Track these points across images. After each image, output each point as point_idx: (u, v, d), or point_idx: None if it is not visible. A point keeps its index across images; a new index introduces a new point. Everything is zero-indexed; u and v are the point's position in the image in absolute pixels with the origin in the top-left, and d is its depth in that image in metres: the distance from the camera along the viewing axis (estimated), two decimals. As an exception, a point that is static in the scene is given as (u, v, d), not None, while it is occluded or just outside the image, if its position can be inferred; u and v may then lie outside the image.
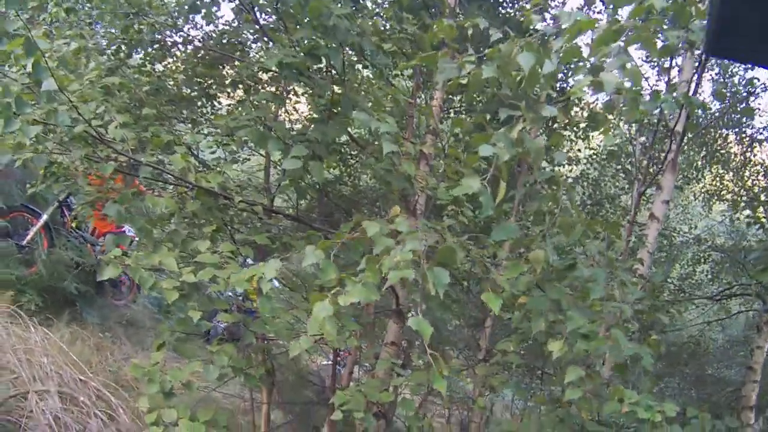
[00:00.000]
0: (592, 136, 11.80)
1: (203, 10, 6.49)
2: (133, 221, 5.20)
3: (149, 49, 6.90)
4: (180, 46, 7.27)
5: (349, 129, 5.50)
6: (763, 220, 10.67)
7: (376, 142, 5.50)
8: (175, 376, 4.91)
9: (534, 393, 11.11)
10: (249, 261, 6.87)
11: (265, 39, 6.49)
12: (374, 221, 3.84)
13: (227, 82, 7.20)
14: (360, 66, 6.90)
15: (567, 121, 8.06)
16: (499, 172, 3.68)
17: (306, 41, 4.94)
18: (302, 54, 4.90)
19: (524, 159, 4.03)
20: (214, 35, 7.33)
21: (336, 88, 5.11)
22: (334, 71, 5.24)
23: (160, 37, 6.90)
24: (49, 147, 5.17)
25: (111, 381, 7.97)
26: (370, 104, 5.11)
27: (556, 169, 9.56)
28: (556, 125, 7.88)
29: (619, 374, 5.70)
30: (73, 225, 10.27)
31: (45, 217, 9.93)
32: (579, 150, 12.22)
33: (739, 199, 12.62)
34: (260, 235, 5.44)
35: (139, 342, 10.41)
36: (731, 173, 13.40)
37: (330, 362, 9.27)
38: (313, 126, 5.06)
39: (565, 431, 5.59)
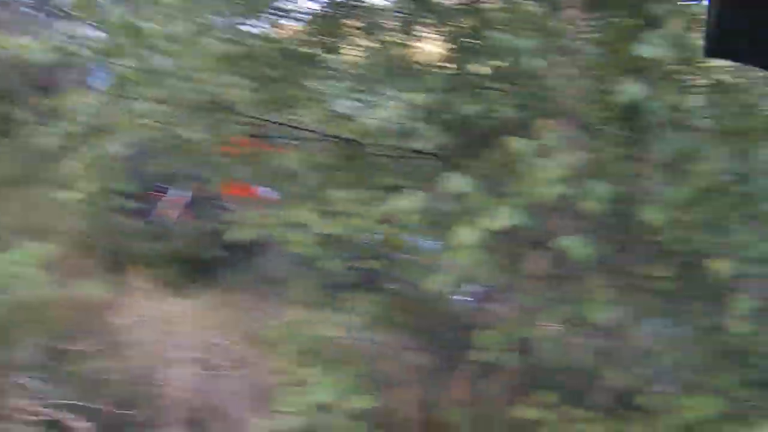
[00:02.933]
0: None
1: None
2: (269, 180, 5.10)
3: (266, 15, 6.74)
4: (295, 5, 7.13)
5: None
6: None
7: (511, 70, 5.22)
8: (311, 334, 4.80)
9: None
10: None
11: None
12: (520, 139, 3.51)
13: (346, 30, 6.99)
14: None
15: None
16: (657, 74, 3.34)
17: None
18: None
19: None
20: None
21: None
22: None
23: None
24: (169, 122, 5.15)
25: (248, 340, 8.03)
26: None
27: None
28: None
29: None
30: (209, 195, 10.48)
31: (180, 192, 10.45)
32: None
33: None
34: (399, 177, 5.19)
35: (282, 297, 10.53)
36: None
37: (473, 300, 9.08)
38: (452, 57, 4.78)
39: (722, 363, 5.25)
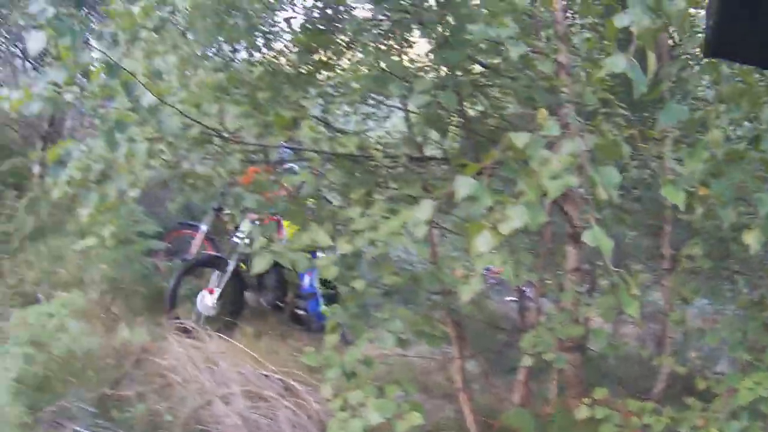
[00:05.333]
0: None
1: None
2: (276, 206, 5.00)
3: (252, 39, 6.80)
4: (281, 26, 7.24)
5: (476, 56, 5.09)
6: None
7: (509, 66, 5.08)
8: (352, 356, 4.66)
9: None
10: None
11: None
12: (522, 132, 3.35)
13: (341, 46, 7.01)
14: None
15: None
16: (643, 42, 3.17)
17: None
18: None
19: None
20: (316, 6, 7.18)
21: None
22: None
23: (257, 23, 6.86)
24: (168, 159, 5.15)
25: (300, 369, 7.98)
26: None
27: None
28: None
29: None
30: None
31: (204, 228, 10.21)
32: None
33: None
34: (412, 186, 5.00)
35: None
36: None
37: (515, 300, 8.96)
38: (434, 57, 4.67)
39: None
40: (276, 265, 4.82)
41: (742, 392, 4.63)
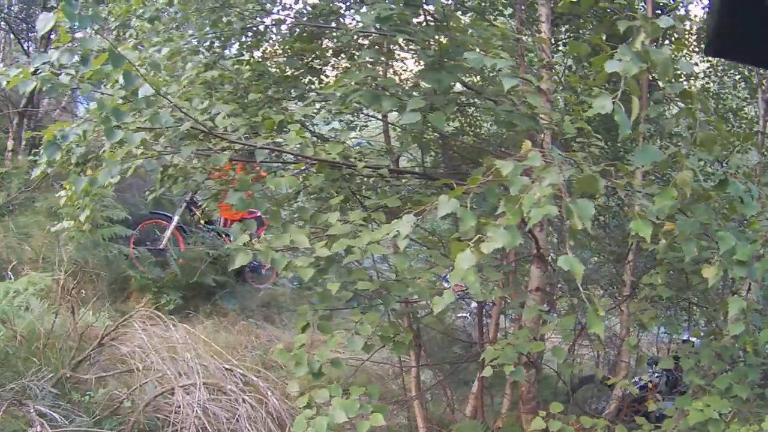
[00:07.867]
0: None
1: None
2: (257, 205, 5.11)
3: (243, 39, 6.87)
4: (273, 28, 7.27)
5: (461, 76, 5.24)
6: None
7: (491, 87, 5.24)
8: (321, 356, 4.79)
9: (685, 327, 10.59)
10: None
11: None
12: (507, 161, 3.57)
13: (329, 53, 7.19)
14: (459, 12, 6.59)
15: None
16: (629, 88, 3.42)
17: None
18: (400, 4, 4.69)
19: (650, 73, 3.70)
20: (306, 11, 7.32)
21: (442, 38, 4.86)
22: (434, 19, 4.97)
23: (251, 24, 6.86)
24: (158, 150, 5.21)
25: (257, 365, 8.16)
26: (478, 47, 4.83)
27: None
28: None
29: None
30: (203, 221, 10.67)
31: (176, 219, 10.55)
32: (696, 64, 11.58)
33: None
34: (390, 198, 5.19)
35: (282, 323, 10.64)
36: None
37: (475, 316, 9.10)
38: (425, 77, 4.81)
39: (721, 365, 5.36)
40: None
41: (692, 413, 4.88)
